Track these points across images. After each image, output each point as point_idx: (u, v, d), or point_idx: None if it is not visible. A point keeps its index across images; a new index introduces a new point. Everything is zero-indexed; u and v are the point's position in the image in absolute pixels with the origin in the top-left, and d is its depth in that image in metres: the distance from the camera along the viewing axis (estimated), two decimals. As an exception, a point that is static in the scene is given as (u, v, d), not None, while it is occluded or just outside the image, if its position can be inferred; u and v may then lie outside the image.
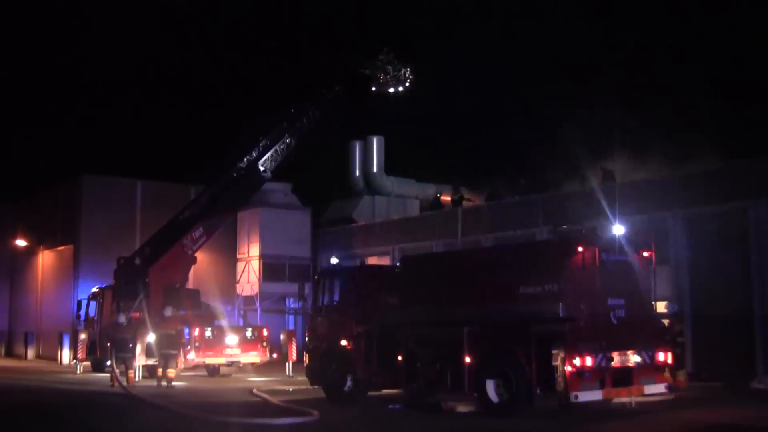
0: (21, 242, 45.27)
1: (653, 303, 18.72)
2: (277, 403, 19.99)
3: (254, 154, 32.16)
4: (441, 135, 54.46)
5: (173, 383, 25.52)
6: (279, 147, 32.01)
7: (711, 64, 43.18)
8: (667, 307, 23.78)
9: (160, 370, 25.87)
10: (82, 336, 31.83)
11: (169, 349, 25.96)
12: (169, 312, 28.47)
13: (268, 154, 31.92)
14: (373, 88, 32.02)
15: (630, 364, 16.83)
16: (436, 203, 39.87)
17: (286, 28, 71.63)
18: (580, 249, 16.64)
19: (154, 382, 27.09)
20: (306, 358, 22.51)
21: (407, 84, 31.88)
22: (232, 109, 68.83)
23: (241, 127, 55.62)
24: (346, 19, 66.20)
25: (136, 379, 26.21)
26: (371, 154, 45.91)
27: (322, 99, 32.42)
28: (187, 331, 28.15)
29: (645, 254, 17.90)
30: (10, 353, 46.27)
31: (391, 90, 31.88)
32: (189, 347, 27.81)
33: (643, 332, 17.40)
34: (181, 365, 27.08)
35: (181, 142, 61.79)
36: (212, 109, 72.12)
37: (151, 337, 27.58)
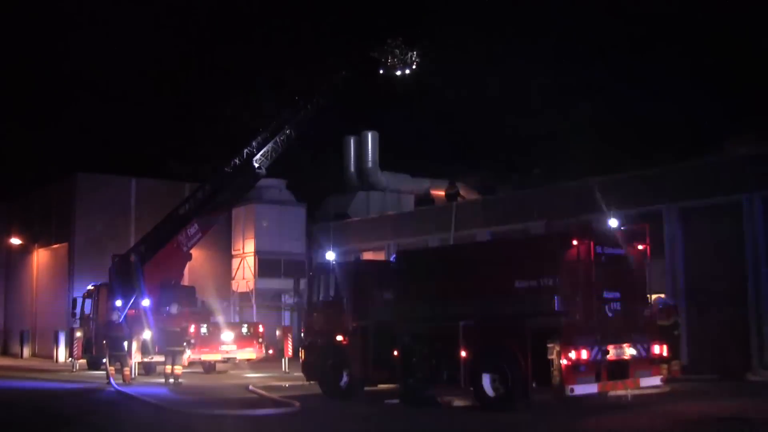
0: (16, 241, 45.23)
1: (651, 296, 18.76)
2: (275, 398, 20.09)
3: (254, 144, 32.06)
4: (436, 130, 54.44)
5: (180, 380, 25.52)
6: (279, 138, 31.91)
7: (708, 57, 43.25)
8: (662, 300, 23.81)
9: (168, 368, 25.85)
10: (78, 334, 31.85)
11: (174, 345, 25.97)
12: (174, 309, 28.48)
13: (268, 146, 31.79)
14: (381, 71, 32.33)
15: (626, 357, 16.84)
16: (426, 198, 39.89)
17: (286, 21, 71.48)
18: (575, 243, 16.64)
19: (150, 379, 27.18)
20: (302, 354, 22.52)
21: (414, 66, 32.26)
22: (229, 105, 68.72)
23: (237, 123, 55.53)
24: (344, 14, 66.04)
25: (132, 377, 26.19)
26: (366, 149, 45.93)
27: (328, 85, 32.46)
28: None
29: (640, 247, 17.90)
30: (6, 352, 46.28)
31: (399, 73, 32.26)
32: (184, 344, 27.78)
33: (639, 325, 17.44)
34: (185, 362, 27.05)
35: (175, 139, 61.74)
36: (208, 106, 72.05)
37: (147, 335, 27.59)
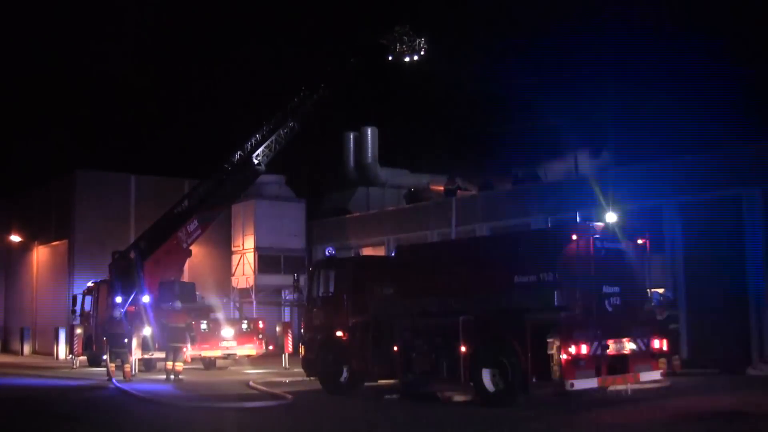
0: (15, 238, 45.21)
1: (648, 291, 18.76)
2: (274, 393, 20.22)
3: (256, 138, 32.01)
4: (435, 125, 54.40)
5: (181, 377, 25.53)
6: (282, 131, 31.86)
7: (707, 50, 43.13)
8: (662, 294, 23.82)
9: (169, 364, 25.82)
10: (78, 331, 31.85)
11: (177, 342, 25.95)
12: (179, 305, 28.47)
13: (270, 140, 31.74)
14: (390, 58, 32.49)
15: (625, 352, 16.84)
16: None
17: (290, 11, 71.26)
18: (574, 237, 16.64)
19: (150, 376, 27.21)
20: (302, 350, 22.53)
21: (422, 53, 32.42)
22: (229, 101, 68.61)
23: (237, 118, 55.40)
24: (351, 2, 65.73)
25: (133, 373, 26.19)
26: (365, 144, 45.91)
27: (334, 74, 32.45)
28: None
29: (639, 242, 17.90)
30: (6, 349, 46.28)
31: (407, 59, 32.44)
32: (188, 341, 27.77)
33: (638, 320, 17.44)
34: (188, 358, 27.04)
35: (174, 135, 61.65)
36: (207, 102, 71.96)
37: (147, 331, 27.59)
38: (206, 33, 76.70)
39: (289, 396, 19.21)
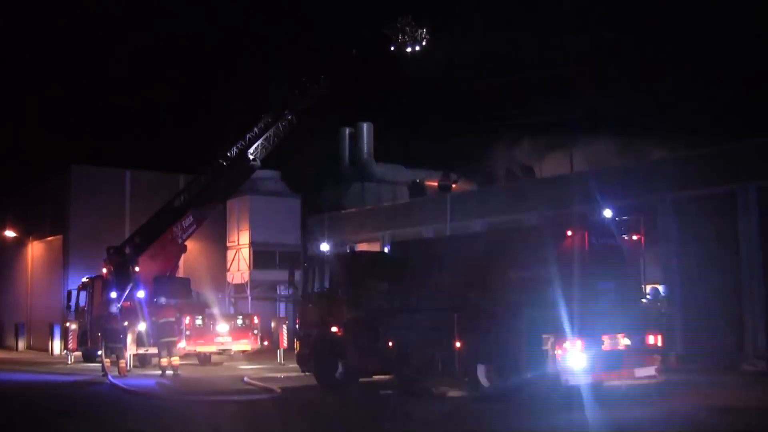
0: (10, 233, 45.15)
1: (643, 286, 18.78)
2: (266, 387, 20.30)
3: (254, 131, 31.92)
4: (431, 121, 54.41)
5: (178, 372, 25.48)
6: (281, 124, 31.76)
7: (703, 46, 43.21)
8: (656, 290, 23.86)
9: (163, 360, 25.77)
10: (73, 326, 31.80)
11: (166, 337, 25.89)
12: (163, 301, 28.47)
13: (270, 132, 31.67)
14: (392, 48, 32.52)
15: (620, 348, 16.85)
16: (418, 189, 39.92)
17: (283, 10, 71.16)
18: (569, 233, 16.64)
19: (145, 371, 27.19)
20: (297, 345, 22.53)
21: (424, 44, 32.52)
22: (225, 96, 68.61)
23: (233, 113, 55.35)
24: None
25: (128, 369, 26.17)
26: (361, 140, 45.91)
27: (336, 66, 32.41)
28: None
29: (634, 238, 17.91)
30: (1, 344, 46.24)
31: (409, 50, 32.48)
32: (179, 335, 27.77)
33: (633, 316, 17.45)
34: (181, 351, 27.00)
35: (169, 131, 61.64)
36: (203, 97, 71.87)
37: (141, 326, 27.57)
38: (202, 27, 76.61)
39: (278, 389, 19.27)
